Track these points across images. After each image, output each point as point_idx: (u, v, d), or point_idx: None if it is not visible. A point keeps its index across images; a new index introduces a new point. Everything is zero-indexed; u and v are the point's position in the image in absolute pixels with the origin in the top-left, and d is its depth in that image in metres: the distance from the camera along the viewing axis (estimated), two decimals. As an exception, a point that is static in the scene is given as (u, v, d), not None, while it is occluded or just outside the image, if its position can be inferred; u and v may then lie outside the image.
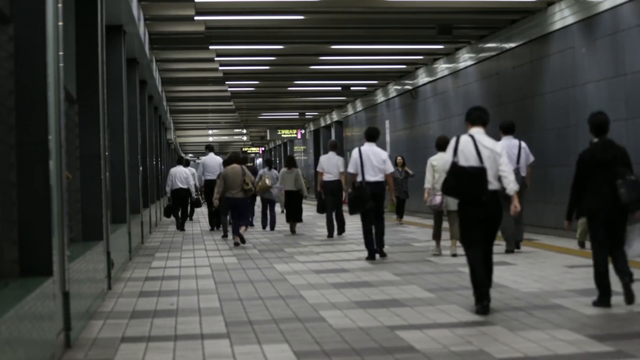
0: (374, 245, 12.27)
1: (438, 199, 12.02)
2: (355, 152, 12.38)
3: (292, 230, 18.42)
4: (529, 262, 11.42)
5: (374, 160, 12.30)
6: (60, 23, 6.71)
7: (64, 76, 6.75)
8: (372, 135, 12.66)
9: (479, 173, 7.67)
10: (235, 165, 15.96)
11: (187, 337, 6.93)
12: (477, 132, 7.94)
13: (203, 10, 15.17)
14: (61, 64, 6.66)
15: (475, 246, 7.72)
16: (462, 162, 7.73)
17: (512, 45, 17.21)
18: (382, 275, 10.54)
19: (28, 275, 5.92)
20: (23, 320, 4.92)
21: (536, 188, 16.46)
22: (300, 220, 18.52)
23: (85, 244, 8.88)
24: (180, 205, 21.21)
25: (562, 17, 14.97)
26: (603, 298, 7.71)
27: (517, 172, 11.75)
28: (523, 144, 12.68)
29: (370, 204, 12.00)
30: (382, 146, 21.90)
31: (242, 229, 15.66)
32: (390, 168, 12.49)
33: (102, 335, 7.26)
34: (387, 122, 28.12)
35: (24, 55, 5.98)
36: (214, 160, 20.46)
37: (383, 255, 12.38)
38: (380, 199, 12.27)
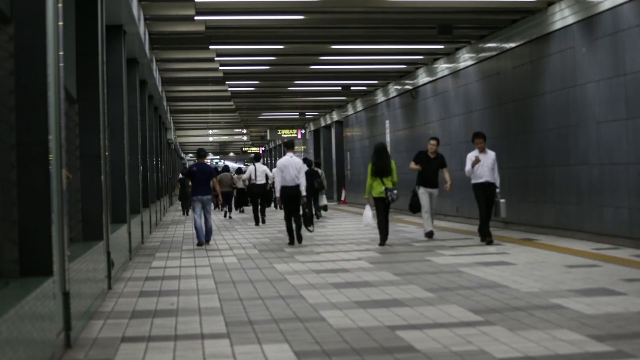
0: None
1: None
2: (251, 167, 22.22)
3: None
4: (529, 262, 11.42)
5: (260, 170, 23.09)
6: (60, 23, 6.70)
7: (64, 76, 6.75)
8: (257, 158, 24.45)
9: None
10: (226, 173, 28.90)
11: (187, 337, 6.93)
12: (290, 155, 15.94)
13: (203, 10, 15.16)
14: (61, 64, 6.66)
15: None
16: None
17: (512, 45, 17.21)
18: (382, 275, 10.54)
19: (28, 275, 5.92)
20: (23, 320, 4.92)
21: (536, 188, 16.49)
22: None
23: (85, 244, 8.88)
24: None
25: (562, 17, 14.97)
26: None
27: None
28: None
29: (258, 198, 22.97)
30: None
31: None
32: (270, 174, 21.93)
33: (102, 335, 7.26)
34: (387, 122, 28.13)
35: (24, 55, 5.98)
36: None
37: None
38: (263, 195, 23.09)
